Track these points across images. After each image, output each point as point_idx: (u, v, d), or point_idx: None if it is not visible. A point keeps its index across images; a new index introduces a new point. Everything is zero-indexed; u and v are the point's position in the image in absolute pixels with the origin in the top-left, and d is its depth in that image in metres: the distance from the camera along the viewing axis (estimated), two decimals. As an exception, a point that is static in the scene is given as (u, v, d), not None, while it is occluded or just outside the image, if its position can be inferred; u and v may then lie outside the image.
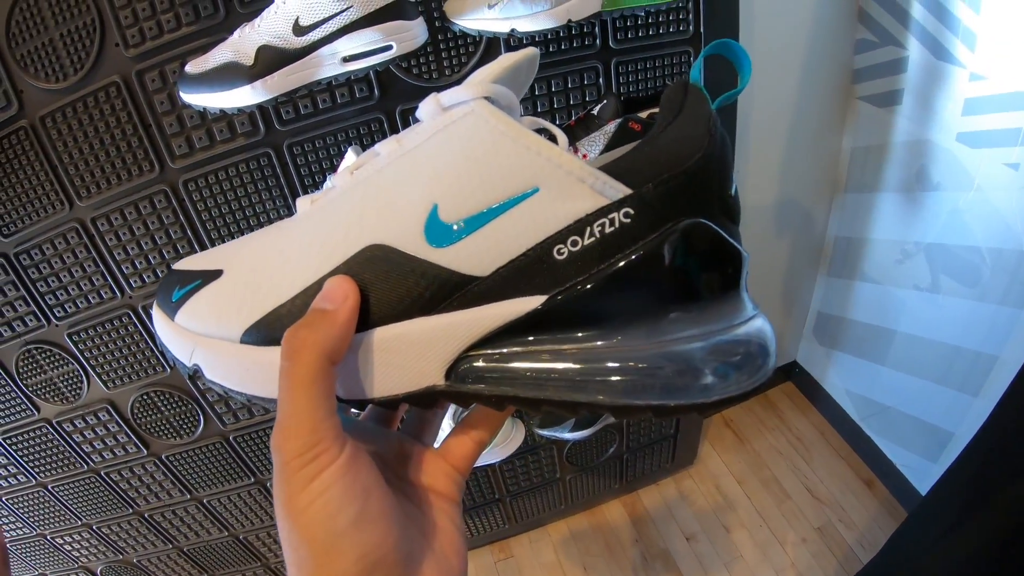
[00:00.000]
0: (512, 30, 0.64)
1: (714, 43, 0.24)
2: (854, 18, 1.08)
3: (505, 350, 0.23)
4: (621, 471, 1.44)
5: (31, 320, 0.88)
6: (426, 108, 0.24)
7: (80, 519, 1.14)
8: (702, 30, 0.84)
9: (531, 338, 0.23)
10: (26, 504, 1.11)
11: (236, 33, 0.61)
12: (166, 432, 1.02)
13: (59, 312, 0.87)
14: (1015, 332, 0.97)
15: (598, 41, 0.81)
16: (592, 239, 0.22)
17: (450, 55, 0.77)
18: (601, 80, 0.84)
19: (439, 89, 0.26)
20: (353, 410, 0.31)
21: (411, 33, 0.59)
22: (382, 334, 0.23)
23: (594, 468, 1.39)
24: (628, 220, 0.22)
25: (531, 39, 0.76)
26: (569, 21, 0.64)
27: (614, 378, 0.22)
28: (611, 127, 0.64)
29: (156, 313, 0.27)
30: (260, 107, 0.63)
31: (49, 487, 1.08)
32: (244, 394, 0.24)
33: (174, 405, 0.99)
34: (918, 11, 0.96)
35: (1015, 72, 0.86)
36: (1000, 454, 0.64)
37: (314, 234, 0.24)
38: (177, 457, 1.06)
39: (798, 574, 1.31)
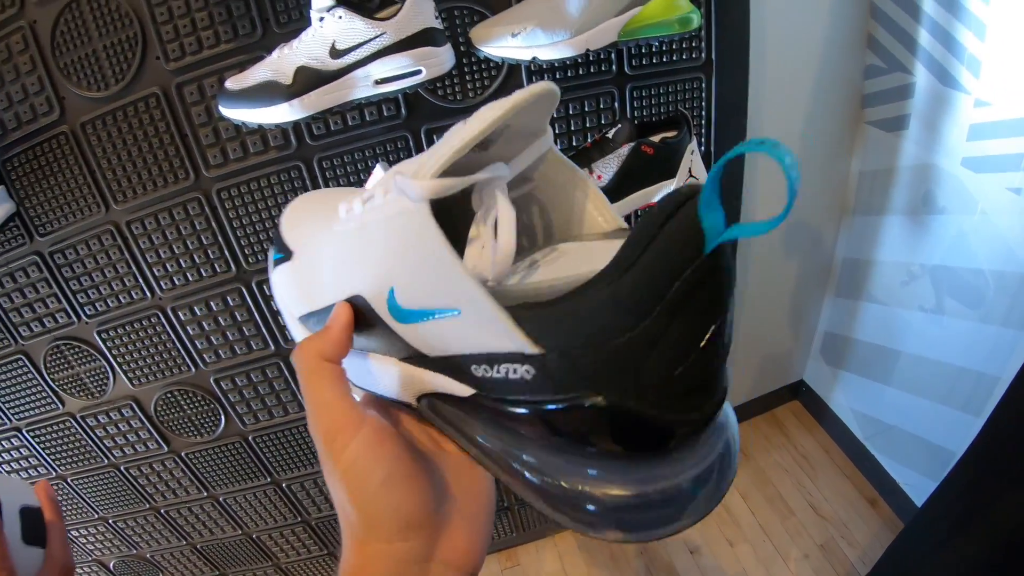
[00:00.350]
0: (533, 58, 0.67)
1: (751, 141, 0.17)
2: (863, 44, 1.10)
3: (451, 407, 0.26)
4: (626, 483, 1.45)
5: (61, 317, 0.92)
6: (380, 182, 0.25)
7: (97, 512, 1.17)
8: (714, 57, 0.87)
9: (467, 411, 0.25)
10: (47, 496, 1.13)
11: (275, 53, 0.65)
12: (187, 430, 1.05)
13: (89, 310, 0.91)
14: (1017, 353, 0.99)
15: (614, 67, 0.84)
16: (499, 375, 0.22)
17: (474, 79, 0.80)
18: (616, 104, 0.87)
19: (462, 113, 0.28)
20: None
21: (440, 59, 0.63)
22: (374, 358, 0.28)
23: (600, 479, 1.40)
24: (529, 377, 0.21)
25: (551, 66, 0.79)
26: (587, 50, 0.67)
27: (528, 475, 0.23)
28: (625, 150, 0.67)
29: (271, 254, 0.32)
30: (293, 123, 0.67)
31: (69, 480, 1.10)
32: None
33: (197, 404, 1.02)
34: (925, 38, 0.98)
35: (1019, 98, 0.88)
36: (995, 465, 0.65)
37: (342, 261, 0.27)
38: (197, 455, 1.08)
39: (800, 590, 1.32)
